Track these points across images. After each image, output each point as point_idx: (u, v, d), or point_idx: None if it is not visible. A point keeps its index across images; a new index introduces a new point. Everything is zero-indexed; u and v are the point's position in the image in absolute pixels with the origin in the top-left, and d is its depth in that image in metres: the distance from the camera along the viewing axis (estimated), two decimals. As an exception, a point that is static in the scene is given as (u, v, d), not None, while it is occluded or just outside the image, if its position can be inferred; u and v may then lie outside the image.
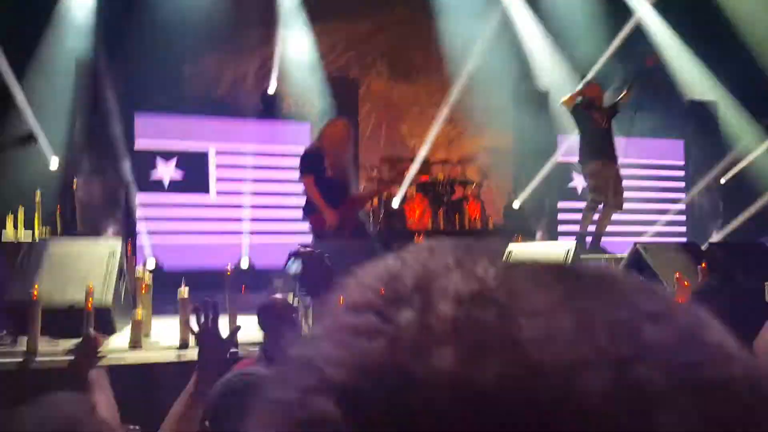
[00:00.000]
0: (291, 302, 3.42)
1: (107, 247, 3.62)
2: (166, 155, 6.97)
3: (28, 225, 4.38)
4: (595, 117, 5.63)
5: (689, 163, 8.92)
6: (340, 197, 4.43)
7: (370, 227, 6.45)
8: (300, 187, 4.58)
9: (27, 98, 6.04)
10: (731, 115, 8.57)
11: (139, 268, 4.03)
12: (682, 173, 8.96)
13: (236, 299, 3.49)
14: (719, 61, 8.09)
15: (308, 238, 4.63)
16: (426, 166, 7.47)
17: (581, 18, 7.98)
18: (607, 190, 5.59)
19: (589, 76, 7.50)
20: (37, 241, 4.03)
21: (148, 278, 3.66)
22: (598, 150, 5.58)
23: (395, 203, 7.05)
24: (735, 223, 8.20)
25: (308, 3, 7.53)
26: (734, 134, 8.59)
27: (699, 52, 8.26)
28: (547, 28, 8.16)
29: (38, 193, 4.62)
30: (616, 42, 7.97)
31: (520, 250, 4.50)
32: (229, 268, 3.70)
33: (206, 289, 5.33)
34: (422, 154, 7.70)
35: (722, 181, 8.56)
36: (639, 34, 8.27)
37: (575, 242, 4.81)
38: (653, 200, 8.50)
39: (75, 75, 6.41)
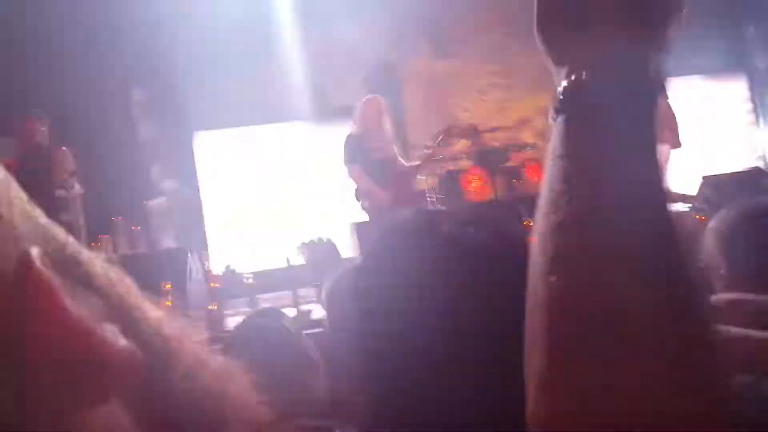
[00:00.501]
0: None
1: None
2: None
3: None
4: None
5: (756, 103, 8.34)
6: (390, 176, 4.48)
7: (430, 201, 6.50)
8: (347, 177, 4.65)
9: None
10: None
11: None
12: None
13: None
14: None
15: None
16: (479, 134, 7.39)
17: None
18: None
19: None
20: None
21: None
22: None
23: (452, 177, 7.04)
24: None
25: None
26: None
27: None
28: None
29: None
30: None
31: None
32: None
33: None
34: (474, 122, 7.65)
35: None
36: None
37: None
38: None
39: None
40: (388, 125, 4.68)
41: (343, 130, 7.24)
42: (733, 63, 8.16)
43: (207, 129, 7.43)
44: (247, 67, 7.39)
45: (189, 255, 4.65)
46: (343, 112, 7.38)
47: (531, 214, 0.50)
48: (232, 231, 7.21)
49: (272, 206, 7.39)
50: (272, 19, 7.39)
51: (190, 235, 6.63)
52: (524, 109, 8.16)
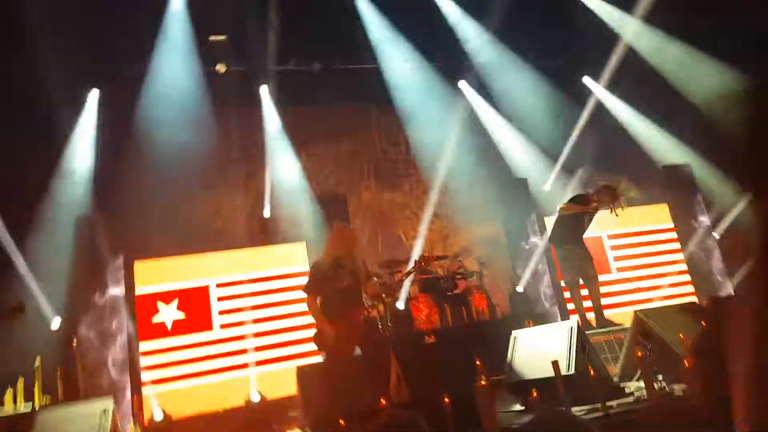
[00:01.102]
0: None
1: (99, 408, 3.55)
2: (167, 297, 6.95)
3: (28, 396, 4.29)
4: (583, 220, 5.91)
5: (678, 225, 9.08)
6: (350, 305, 4.48)
7: (379, 330, 6.45)
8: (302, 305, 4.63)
9: (27, 260, 6.13)
10: (706, 175, 8.89)
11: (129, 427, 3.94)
12: (674, 235, 9.09)
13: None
14: (682, 128, 8.55)
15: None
16: (425, 264, 7.60)
17: (543, 107, 8.55)
18: (577, 269, 5.82)
19: (562, 158, 7.90)
20: (36, 409, 3.98)
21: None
22: (568, 238, 5.87)
23: (400, 305, 7.09)
24: (739, 274, 8.23)
25: (294, 133, 8.09)
26: (713, 191, 8.86)
27: (661, 121, 8.76)
28: (512, 121, 8.74)
29: (38, 359, 4.56)
30: (580, 125, 8.51)
31: (524, 334, 4.51)
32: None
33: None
34: (419, 253, 7.87)
35: (716, 235, 8.70)
36: (600, 113, 8.83)
37: (577, 321, 4.83)
38: (653, 265, 8.57)
39: (74, 232, 6.50)
40: (358, 254, 4.74)
41: (291, 255, 7.38)
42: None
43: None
44: (193, 196, 7.52)
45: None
46: (293, 239, 7.53)
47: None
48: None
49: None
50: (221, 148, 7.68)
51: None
52: (466, 238, 8.53)
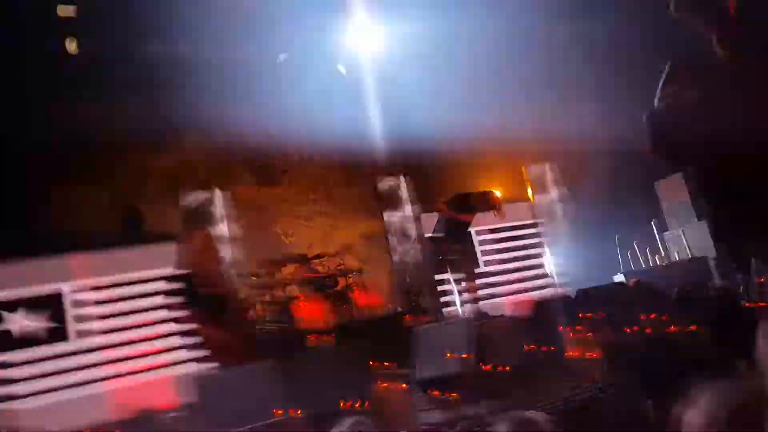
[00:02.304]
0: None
1: None
2: (11, 306, 6.15)
3: None
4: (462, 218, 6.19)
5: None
6: (225, 312, 4.24)
7: (257, 333, 6.23)
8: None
9: None
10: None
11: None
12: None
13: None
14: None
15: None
16: (305, 262, 7.44)
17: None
18: (461, 264, 6.18)
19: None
20: None
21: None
22: (455, 232, 6.17)
23: (282, 304, 6.89)
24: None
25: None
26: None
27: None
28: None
29: None
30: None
31: (423, 332, 4.61)
32: None
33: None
34: (299, 249, 7.74)
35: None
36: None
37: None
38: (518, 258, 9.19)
39: None
40: (218, 261, 4.48)
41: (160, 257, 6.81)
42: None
43: None
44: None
45: None
46: (161, 239, 6.97)
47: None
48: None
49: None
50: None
51: None
52: (347, 235, 8.50)
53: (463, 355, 3.56)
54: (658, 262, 8.32)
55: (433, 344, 4.36)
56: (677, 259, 8.08)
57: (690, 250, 7.90)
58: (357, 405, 2.98)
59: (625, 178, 8.71)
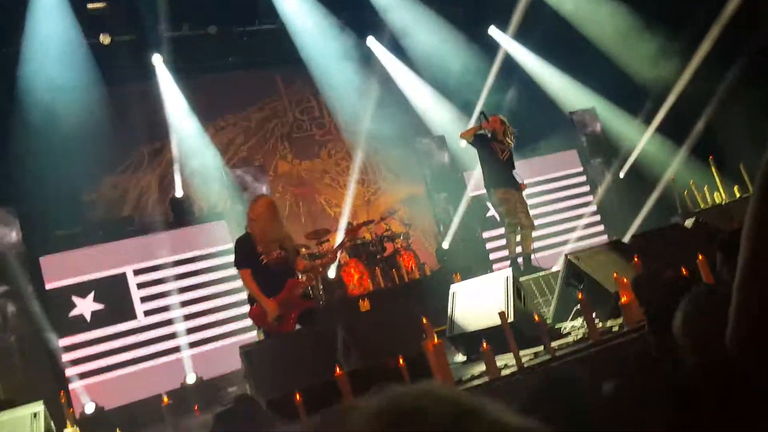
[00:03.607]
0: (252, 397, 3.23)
1: (28, 412, 3.34)
2: (81, 290, 6.58)
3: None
4: (494, 148, 5.97)
5: (587, 168, 9.58)
6: (283, 279, 4.33)
7: (318, 302, 6.36)
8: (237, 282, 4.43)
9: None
10: (610, 118, 9.37)
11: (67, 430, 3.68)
12: (584, 178, 9.59)
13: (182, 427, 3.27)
14: (586, 72, 8.90)
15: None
16: (352, 229, 7.53)
17: (455, 63, 8.57)
18: (517, 212, 5.95)
19: (477, 110, 8.00)
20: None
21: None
22: (500, 178, 5.98)
23: (331, 272, 7.00)
24: (644, 210, 8.81)
25: (197, 105, 7.60)
26: (618, 133, 9.38)
27: (566, 67, 9.05)
28: (426, 78, 8.71)
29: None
30: (491, 77, 8.66)
31: (462, 288, 4.59)
32: (165, 398, 3.34)
33: (157, 421, 5.03)
34: (344, 219, 7.79)
35: (621, 175, 9.23)
36: (510, 66, 9.00)
37: (510, 269, 4.94)
38: (567, 209, 9.01)
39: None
40: (280, 226, 4.53)
41: (212, 234, 7.06)
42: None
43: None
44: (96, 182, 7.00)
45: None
46: (210, 219, 7.21)
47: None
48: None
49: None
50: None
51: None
52: (389, 200, 8.54)
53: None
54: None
55: (470, 300, 4.36)
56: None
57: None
58: (401, 361, 3.05)
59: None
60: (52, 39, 6.74)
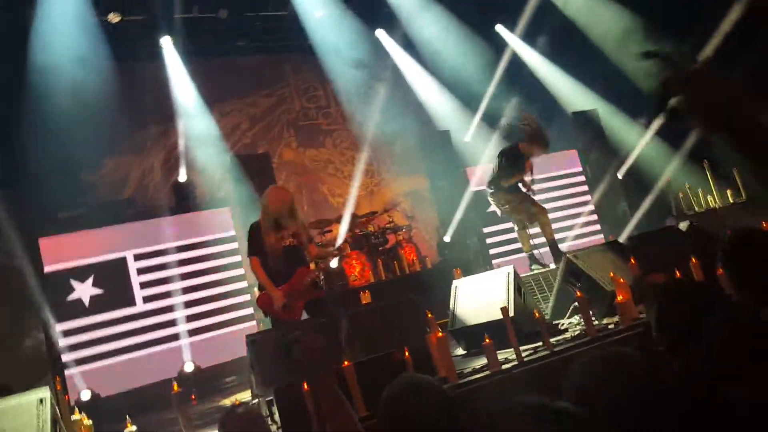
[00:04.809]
0: (257, 409, 3.28)
1: (34, 398, 3.17)
2: (81, 274, 6.43)
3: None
4: (527, 167, 5.93)
5: (586, 168, 9.67)
6: (295, 267, 4.39)
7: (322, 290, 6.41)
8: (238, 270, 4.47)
9: None
10: (612, 119, 9.45)
11: (74, 417, 3.66)
12: (583, 178, 9.68)
13: (189, 414, 3.32)
14: (589, 74, 8.96)
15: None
16: (354, 220, 7.58)
17: (462, 59, 8.61)
18: (522, 208, 5.98)
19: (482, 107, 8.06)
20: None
21: (85, 421, 3.43)
22: (511, 188, 5.94)
23: (334, 263, 7.06)
24: (641, 212, 8.92)
25: (204, 89, 7.61)
26: (618, 135, 9.46)
27: (570, 69, 9.12)
28: (433, 73, 8.75)
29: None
30: (498, 75, 8.71)
31: (464, 283, 4.67)
32: (175, 386, 3.38)
33: (155, 409, 5.08)
34: (348, 210, 7.84)
35: (619, 176, 9.33)
36: (516, 65, 9.06)
37: (512, 266, 4.97)
38: (566, 207, 9.10)
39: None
40: (296, 215, 4.57)
41: (215, 221, 7.10)
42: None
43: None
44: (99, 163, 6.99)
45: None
46: (214, 204, 7.24)
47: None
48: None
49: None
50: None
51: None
52: (392, 192, 8.60)
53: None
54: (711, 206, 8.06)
55: (472, 295, 4.43)
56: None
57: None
58: (407, 353, 3.12)
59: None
60: (64, 15, 6.64)
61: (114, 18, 7.13)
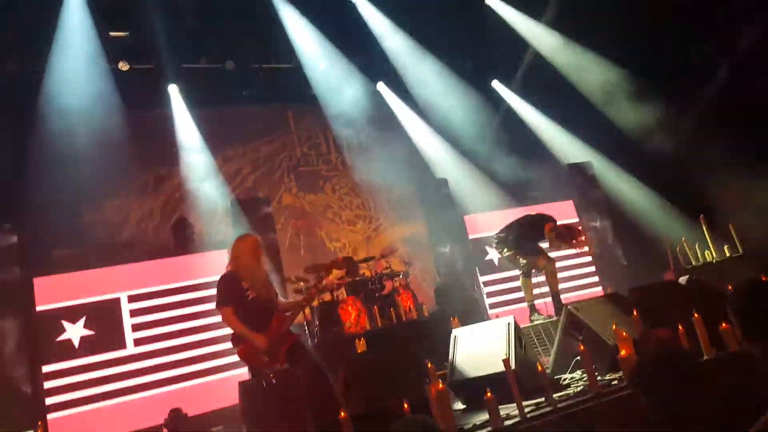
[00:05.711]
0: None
1: None
2: (73, 315, 6.24)
3: None
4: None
5: (582, 219, 9.65)
6: (268, 316, 4.25)
7: (307, 339, 6.26)
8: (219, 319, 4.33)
9: None
10: (606, 171, 9.52)
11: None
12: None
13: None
14: (583, 127, 9.09)
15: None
16: (352, 265, 7.46)
17: (461, 113, 8.78)
18: (526, 261, 5.96)
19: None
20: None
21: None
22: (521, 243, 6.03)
23: (328, 308, 6.91)
24: (637, 264, 8.84)
25: (208, 135, 7.67)
26: (612, 187, 9.51)
27: (564, 122, 9.26)
28: (431, 123, 8.89)
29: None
30: (494, 128, 8.87)
31: (463, 333, 4.54)
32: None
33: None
34: (344, 252, 7.75)
35: (615, 228, 9.32)
36: (512, 118, 9.22)
37: (512, 317, 4.89)
38: (563, 257, 9.02)
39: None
40: (264, 265, 4.49)
41: (212, 263, 6.99)
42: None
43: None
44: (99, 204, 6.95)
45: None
46: (212, 247, 7.16)
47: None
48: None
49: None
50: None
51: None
52: (390, 238, 8.54)
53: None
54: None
55: (471, 345, 4.30)
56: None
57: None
58: (406, 405, 2.99)
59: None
60: (76, 60, 6.83)
61: (124, 66, 7.31)
